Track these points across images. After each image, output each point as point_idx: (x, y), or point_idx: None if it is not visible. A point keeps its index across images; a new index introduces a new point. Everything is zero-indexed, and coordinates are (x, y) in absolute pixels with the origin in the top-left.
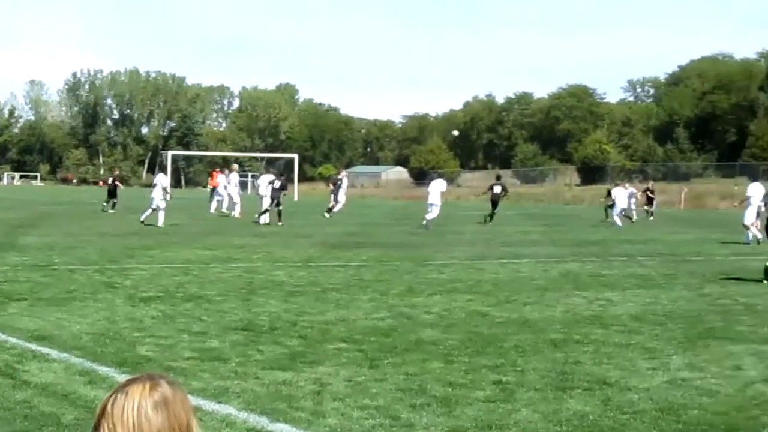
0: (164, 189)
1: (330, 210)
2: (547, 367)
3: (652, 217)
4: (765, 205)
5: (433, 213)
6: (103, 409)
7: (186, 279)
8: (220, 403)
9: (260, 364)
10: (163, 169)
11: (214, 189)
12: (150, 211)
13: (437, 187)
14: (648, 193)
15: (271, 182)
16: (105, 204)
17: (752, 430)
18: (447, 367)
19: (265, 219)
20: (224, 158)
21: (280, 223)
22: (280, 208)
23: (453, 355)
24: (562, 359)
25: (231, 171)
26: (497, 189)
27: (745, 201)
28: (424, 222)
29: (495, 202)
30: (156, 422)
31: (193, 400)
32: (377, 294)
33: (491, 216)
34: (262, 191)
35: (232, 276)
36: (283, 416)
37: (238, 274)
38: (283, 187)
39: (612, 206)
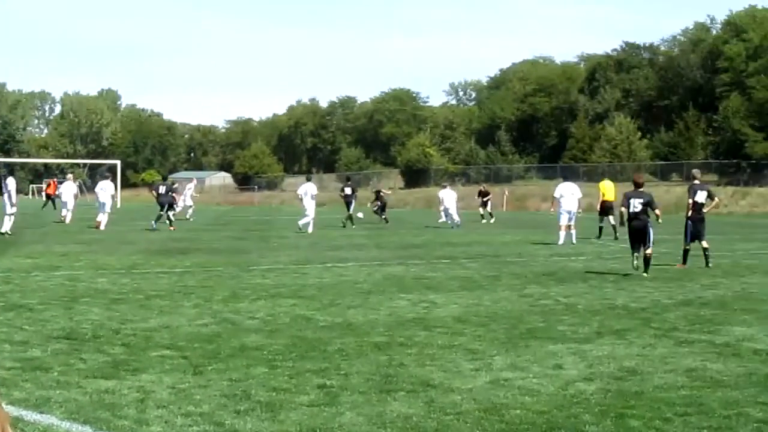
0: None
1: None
2: (371, 370)
3: (492, 219)
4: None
5: (308, 217)
6: None
7: (7, 288)
8: (42, 413)
9: (83, 373)
10: (12, 173)
11: (50, 197)
12: (6, 218)
13: (309, 190)
14: (482, 197)
15: (342, 189)
16: None
17: (572, 428)
18: (271, 372)
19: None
20: (46, 165)
21: (354, 226)
22: (350, 212)
23: (277, 360)
24: (386, 362)
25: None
26: (348, 190)
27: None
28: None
29: (348, 203)
30: None
31: (15, 411)
32: (201, 300)
33: (350, 218)
34: (101, 198)
35: (54, 284)
36: (107, 425)
37: (61, 282)
38: (353, 192)
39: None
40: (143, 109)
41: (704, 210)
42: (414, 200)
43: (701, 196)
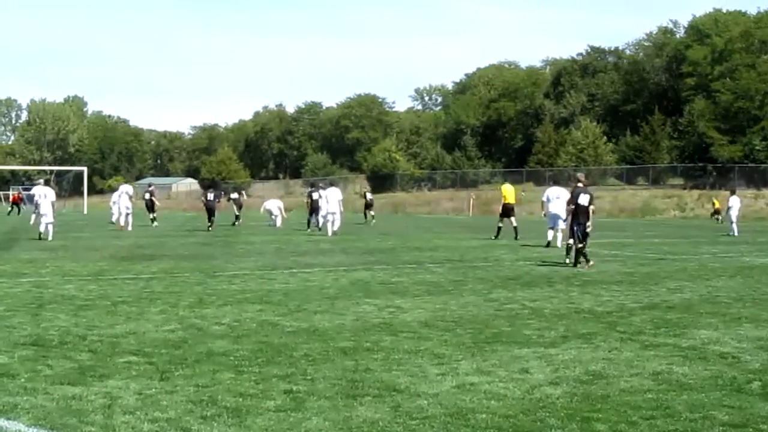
0: (52, 203)
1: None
2: (337, 375)
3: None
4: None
5: (337, 222)
6: None
7: None
8: (9, 419)
9: (50, 379)
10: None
11: (16, 203)
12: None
13: (335, 195)
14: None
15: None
16: None
17: None
18: (238, 378)
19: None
20: (13, 172)
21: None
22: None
23: (243, 365)
24: (352, 367)
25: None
26: (315, 196)
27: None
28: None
29: (315, 209)
30: None
31: None
32: (167, 306)
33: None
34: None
35: (21, 291)
36: (74, 431)
37: (27, 289)
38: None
39: None
40: (109, 116)
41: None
42: (380, 205)
43: (584, 200)
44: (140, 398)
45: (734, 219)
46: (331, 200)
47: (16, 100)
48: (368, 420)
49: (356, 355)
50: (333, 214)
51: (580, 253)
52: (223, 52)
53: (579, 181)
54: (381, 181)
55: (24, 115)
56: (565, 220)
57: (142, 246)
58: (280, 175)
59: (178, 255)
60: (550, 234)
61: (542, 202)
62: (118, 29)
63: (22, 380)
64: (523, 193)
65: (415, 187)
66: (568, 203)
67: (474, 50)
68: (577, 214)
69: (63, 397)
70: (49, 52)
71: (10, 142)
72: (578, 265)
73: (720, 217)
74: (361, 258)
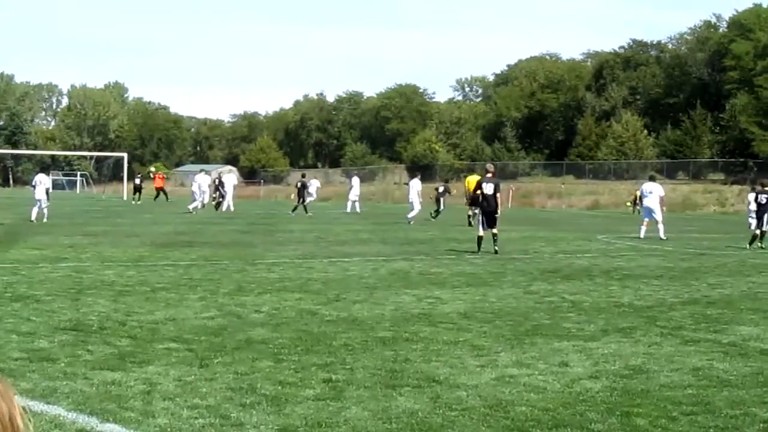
0: (47, 189)
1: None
2: (376, 365)
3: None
4: None
5: (414, 210)
6: None
7: (14, 279)
8: (48, 403)
9: (89, 365)
10: (45, 170)
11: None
12: (36, 210)
13: (415, 186)
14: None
15: (437, 188)
16: None
17: (578, 426)
18: (277, 366)
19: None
20: (53, 157)
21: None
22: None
23: (283, 353)
24: (391, 357)
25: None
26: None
27: None
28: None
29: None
30: None
31: (21, 402)
32: (207, 293)
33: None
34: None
35: (61, 276)
36: (113, 416)
37: (68, 274)
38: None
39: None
40: (150, 102)
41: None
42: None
43: (488, 188)
44: (179, 385)
45: None
46: (411, 191)
47: (56, 86)
48: (407, 410)
49: (395, 345)
50: (411, 203)
51: None
52: (264, 41)
53: (488, 171)
54: (420, 172)
55: (64, 101)
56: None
57: (181, 233)
58: (319, 164)
59: (217, 242)
60: (643, 229)
61: (639, 196)
62: (159, 16)
63: (62, 365)
64: (562, 186)
65: (455, 178)
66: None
67: (516, 42)
68: (485, 202)
69: (102, 382)
70: (90, 38)
71: (50, 127)
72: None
73: None
74: (400, 248)
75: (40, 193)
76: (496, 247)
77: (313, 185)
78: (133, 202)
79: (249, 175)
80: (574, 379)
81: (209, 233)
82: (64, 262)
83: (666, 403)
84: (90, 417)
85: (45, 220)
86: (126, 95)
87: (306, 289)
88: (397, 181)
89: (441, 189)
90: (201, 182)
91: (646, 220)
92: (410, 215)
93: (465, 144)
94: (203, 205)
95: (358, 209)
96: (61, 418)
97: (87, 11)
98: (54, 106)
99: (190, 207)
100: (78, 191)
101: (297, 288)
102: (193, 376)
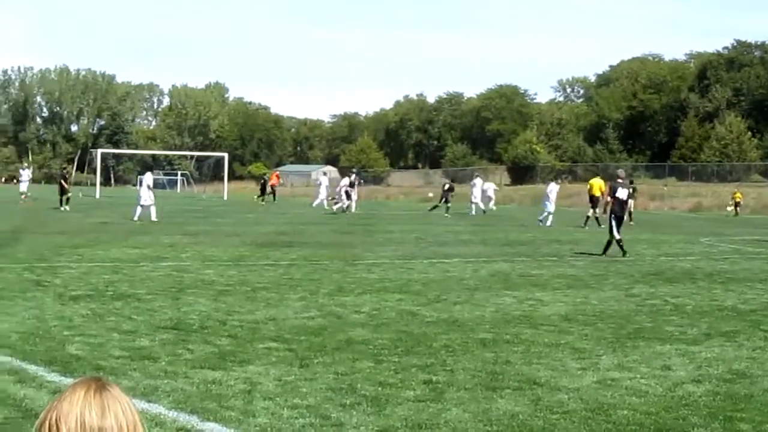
0: (148, 186)
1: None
2: (477, 367)
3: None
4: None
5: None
6: (47, 420)
7: (116, 277)
8: (149, 402)
9: (190, 363)
10: (150, 168)
11: (273, 189)
12: (140, 208)
13: (553, 189)
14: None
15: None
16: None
17: (681, 430)
18: (377, 367)
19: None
20: (154, 157)
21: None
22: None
23: (383, 354)
24: (492, 359)
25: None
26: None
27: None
28: (540, 219)
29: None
30: (107, 424)
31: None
32: (307, 293)
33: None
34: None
35: (162, 275)
36: (213, 415)
37: (168, 273)
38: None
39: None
40: (250, 103)
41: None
42: (520, 197)
43: (623, 194)
44: (280, 384)
45: None
46: (551, 194)
47: (158, 86)
48: (508, 413)
49: (496, 347)
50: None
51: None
52: (364, 43)
53: (618, 177)
54: (521, 173)
55: (166, 101)
56: None
57: (282, 233)
58: (419, 165)
59: (317, 242)
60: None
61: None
62: (260, 15)
63: (163, 363)
64: (664, 188)
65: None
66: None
67: (618, 42)
68: (618, 207)
69: (203, 381)
70: (192, 38)
71: (151, 127)
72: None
73: None
74: (500, 249)
75: (143, 192)
76: (625, 249)
77: (489, 188)
78: (263, 203)
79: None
80: (677, 383)
81: (309, 233)
82: (164, 261)
83: None
84: (190, 416)
85: (153, 218)
86: (226, 95)
87: (406, 290)
88: (497, 183)
89: (447, 186)
90: (342, 184)
91: None
92: (545, 219)
93: (566, 145)
94: (347, 207)
95: (483, 208)
96: (162, 416)
97: (189, 11)
98: (155, 106)
99: (335, 207)
100: (178, 191)
101: (397, 289)
102: (293, 376)
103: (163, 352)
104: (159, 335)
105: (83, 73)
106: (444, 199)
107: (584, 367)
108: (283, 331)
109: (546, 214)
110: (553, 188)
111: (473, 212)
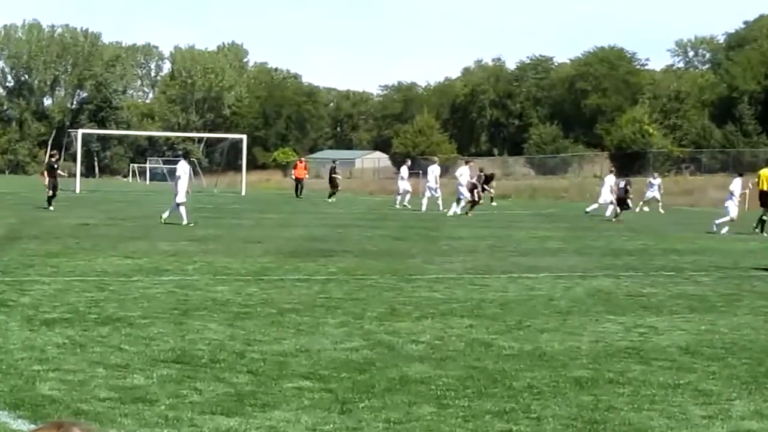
0: (178, 179)
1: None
2: (570, 414)
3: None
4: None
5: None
6: None
7: (101, 296)
8: None
9: (198, 408)
10: (185, 156)
11: (299, 180)
12: (182, 208)
13: (608, 181)
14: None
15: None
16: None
17: None
18: (441, 413)
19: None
20: (150, 139)
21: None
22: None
23: (448, 397)
24: (590, 403)
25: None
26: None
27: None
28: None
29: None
30: None
31: None
32: (350, 317)
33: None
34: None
35: (161, 292)
36: None
37: (169, 290)
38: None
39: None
40: (276, 69)
41: None
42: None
43: None
44: None
45: None
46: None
47: (156, 47)
48: None
49: (595, 389)
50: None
51: None
52: None
53: None
54: (628, 161)
55: (167, 67)
56: None
57: (316, 238)
58: (496, 151)
59: (363, 251)
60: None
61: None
62: None
63: (163, 407)
64: None
65: (674, 170)
66: None
67: None
68: None
69: (215, 430)
70: None
71: (148, 101)
72: None
73: None
74: (601, 261)
75: (180, 186)
76: None
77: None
78: (331, 200)
79: (403, 164)
80: None
81: (353, 239)
82: (164, 275)
83: None
84: None
85: (184, 222)
86: (245, 60)
87: (478, 314)
88: (597, 174)
89: (475, 178)
90: (463, 175)
91: None
92: (724, 224)
93: (688, 126)
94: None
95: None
96: None
97: None
98: (153, 74)
99: (458, 210)
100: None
101: (467, 312)
102: (331, 425)
103: (162, 392)
104: (158, 370)
105: (59, 30)
106: (478, 193)
107: (710, 414)
108: (319, 367)
109: (728, 218)
110: (737, 184)
111: (608, 213)
